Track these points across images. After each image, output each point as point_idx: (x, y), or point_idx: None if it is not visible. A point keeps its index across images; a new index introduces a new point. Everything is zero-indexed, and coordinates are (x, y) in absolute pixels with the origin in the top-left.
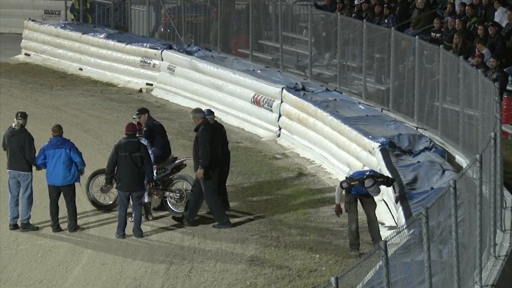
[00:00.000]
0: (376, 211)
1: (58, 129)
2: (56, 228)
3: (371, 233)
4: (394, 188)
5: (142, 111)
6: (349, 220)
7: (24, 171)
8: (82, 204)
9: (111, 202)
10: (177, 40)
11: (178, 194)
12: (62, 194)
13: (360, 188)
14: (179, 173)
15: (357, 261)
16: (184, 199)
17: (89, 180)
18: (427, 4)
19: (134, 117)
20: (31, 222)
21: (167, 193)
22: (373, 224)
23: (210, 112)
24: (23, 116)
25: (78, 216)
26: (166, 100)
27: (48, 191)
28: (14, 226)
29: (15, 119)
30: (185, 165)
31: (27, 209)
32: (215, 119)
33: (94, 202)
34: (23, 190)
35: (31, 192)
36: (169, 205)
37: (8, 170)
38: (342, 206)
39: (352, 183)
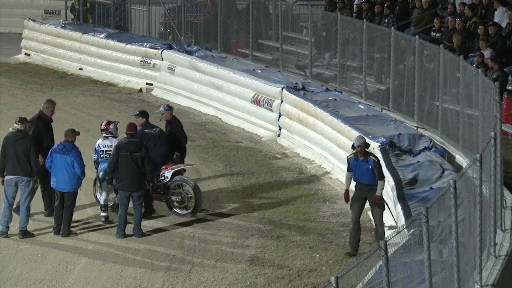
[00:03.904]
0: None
1: (67, 134)
2: (58, 232)
3: (375, 237)
4: (377, 186)
5: (141, 114)
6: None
7: (28, 176)
8: (83, 204)
9: (111, 204)
10: (177, 40)
11: (179, 197)
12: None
13: (362, 172)
14: (178, 176)
15: (357, 261)
16: (187, 201)
17: (96, 179)
18: (431, 3)
19: (132, 115)
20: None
21: (169, 197)
22: (377, 228)
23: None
24: (21, 121)
25: (78, 216)
26: (166, 100)
27: (55, 195)
28: (6, 234)
29: (14, 123)
30: (185, 170)
31: (28, 216)
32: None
33: (98, 201)
34: (25, 196)
35: (31, 198)
36: (174, 209)
37: (9, 177)
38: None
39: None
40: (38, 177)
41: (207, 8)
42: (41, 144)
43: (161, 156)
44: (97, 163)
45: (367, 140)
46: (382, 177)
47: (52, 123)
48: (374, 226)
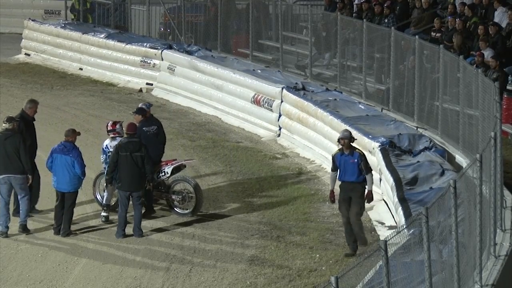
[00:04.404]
0: (368, 212)
1: (68, 134)
2: (58, 232)
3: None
4: (367, 181)
5: (138, 111)
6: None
7: (21, 174)
8: (83, 204)
9: (113, 203)
10: (177, 40)
11: (180, 196)
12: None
13: (347, 167)
14: (179, 174)
15: (357, 261)
16: (187, 200)
17: (96, 179)
18: (431, 3)
19: (130, 113)
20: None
21: (170, 196)
22: (353, 226)
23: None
24: (9, 120)
25: (78, 216)
26: (166, 100)
27: (56, 194)
28: (6, 234)
29: (2, 123)
30: (185, 166)
31: (28, 210)
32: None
33: (99, 201)
34: (22, 192)
35: (29, 194)
36: (174, 208)
37: (1, 176)
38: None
39: (336, 152)
40: (30, 174)
41: (211, 8)
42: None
43: (158, 154)
44: (105, 163)
45: (367, 140)
46: (369, 171)
47: (34, 123)
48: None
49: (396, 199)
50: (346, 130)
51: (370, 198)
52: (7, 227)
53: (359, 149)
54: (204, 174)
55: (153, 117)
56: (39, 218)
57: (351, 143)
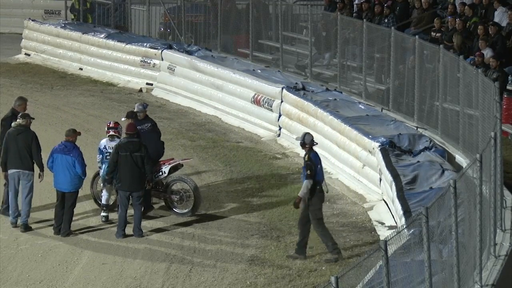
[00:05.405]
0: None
1: (68, 134)
2: (58, 231)
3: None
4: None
5: (127, 116)
6: None
7: (29, 170)
8: (83, 204)
9: (111, 203)
10: (177, 40)
11: (178, 196)
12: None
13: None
14: (176, 174)
15: (357, 261)
16: (185, 200)
17: (94, 179)
18: (431, 3)
19: (122, 119)
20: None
21: (168, 196)
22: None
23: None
24: (23, 116)
25: (78, 216)
26: (166, 100)
27: (56, 194)
28: (15, 224)
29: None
30: (182, 165)
31: (29, 211)
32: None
33: (96, 200)
34: (26, 191)
35: (32, 193)
36: (173, 208)
37: (11, 171)
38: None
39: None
40: (41, 170)
41: (219, 7)
42: None
43: (155, 151)
44: (101, 163)
45: (367, 140)
46: (307, 177)
47: None
48: None
49: (396, 199)
50: (303, 133)
51: (296, 203)
52: (16, 218)
53: (307, 157)
54: (204, 174)
55: (148, 118)
56: (39, 216)
57: (307, 147)
